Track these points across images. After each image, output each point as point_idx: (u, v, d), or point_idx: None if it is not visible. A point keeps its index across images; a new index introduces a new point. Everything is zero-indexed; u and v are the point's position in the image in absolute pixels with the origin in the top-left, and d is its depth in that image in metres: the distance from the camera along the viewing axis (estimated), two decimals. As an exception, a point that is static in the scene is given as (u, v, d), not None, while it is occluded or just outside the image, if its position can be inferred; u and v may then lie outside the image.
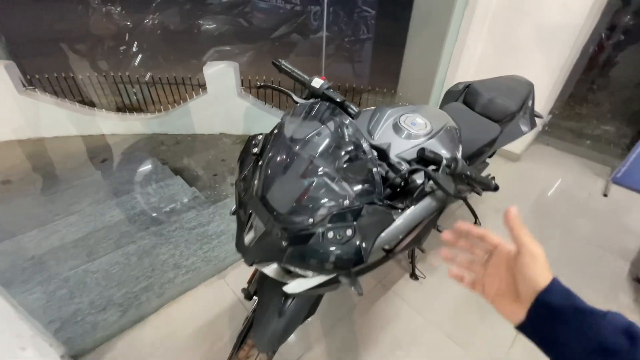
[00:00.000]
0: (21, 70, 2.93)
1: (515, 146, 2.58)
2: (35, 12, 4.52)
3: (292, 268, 0.73)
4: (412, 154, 0.84)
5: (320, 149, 0.75)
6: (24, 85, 2.94)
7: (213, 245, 1.73)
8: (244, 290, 1.08)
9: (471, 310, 1.49)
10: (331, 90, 0.92)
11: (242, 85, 3.03)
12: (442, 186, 0.75)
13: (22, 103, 2.92)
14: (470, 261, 0.50)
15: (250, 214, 0.76)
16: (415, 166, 0.80)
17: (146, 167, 2.66)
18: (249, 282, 1.11)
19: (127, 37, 4.28)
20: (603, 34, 3.57)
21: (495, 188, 0.88)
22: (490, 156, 1.76)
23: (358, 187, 0.73)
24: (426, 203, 0.84)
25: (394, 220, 0.77)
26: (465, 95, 1.58)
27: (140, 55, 4.30)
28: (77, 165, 2.84)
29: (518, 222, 0.43)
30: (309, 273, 0.72)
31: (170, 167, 2.64)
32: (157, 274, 1.57)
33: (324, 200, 0.69)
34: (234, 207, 0.86)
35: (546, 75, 2.24)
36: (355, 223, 0.69)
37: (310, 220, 0.68)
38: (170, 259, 1.65)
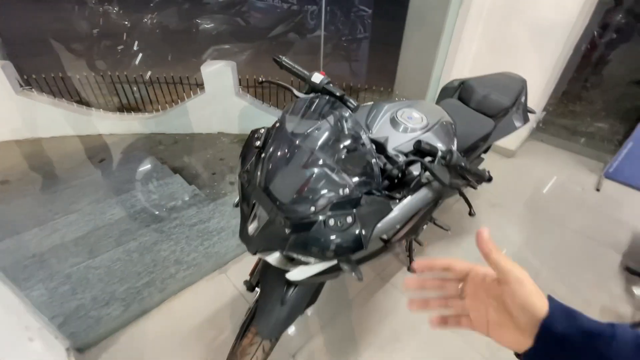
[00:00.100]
0: (18, 71, 2.92)
1: (510, 142, 2.63)
2: (33, 11, 4.51)
3: (294, 255, 0.76)
4: (409, 147, 0.87)
5: (320, 142, 0.78)
6: (21, 86, 2.94)
7: (214, 241, 1.75)
8: (246, 282, 1.11)
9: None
10: (331, 84, 0.95)
11: (240, 84, 3.05)
12: (437, 176, 0.78)
13: (19, 103, 2.92)
14: (445, 297, 0.45)
15: (254, 205, 0.79)
16: (411, 157, 0.83)
17: (145, 167, 2.67)
18: (251, 274, 1.13)
19: (124, 37, 4.28)
20: (595, 32, 3.63)
21: (489, 179, 0.91)
22: (485, 151, 1.79)
23: (357, 178, 0.76)
24: (422, 193, 0.87)
25: (392, 209, 0.80)
26: (460, 92, 1.61)
27: (138, 55, 4.31)
28: (75, 165, 2.84)
29: (493, 246, 0.39)
30: (311, 260, 0.75)
31: (169, 167, 2.66)
32: (159, 270, 1.59)
33: (325, 190, 0.72)
34: (237, 199, 0.89)
35: (539, 73, 2.28)
36: (354, 211, 0.72)
37: (312, 208, 0.70)
38: (171, 255, 1.67)
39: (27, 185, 2.57)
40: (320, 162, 0.74)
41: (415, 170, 0.86)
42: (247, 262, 1.65)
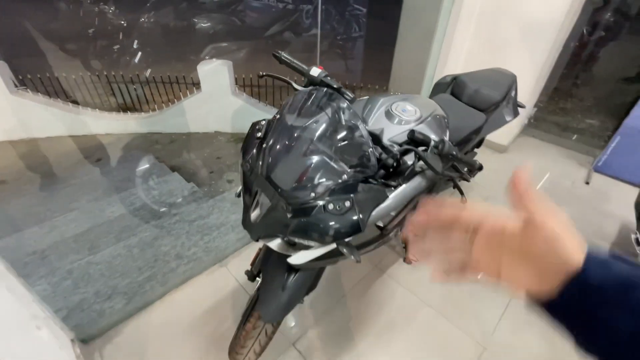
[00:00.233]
0: (13, 71, 2.92)
1: (503, 138, 2.69)
2: (28, 11, 4.48)
3: (296, 240, 0.80)
4: (403, 138, 0.91)
5: (319, 131, 0.81)
6: (16, 86, 2.93)
7: (213, 236, 1.78)
8: (247, 272, 1.14)
9: (461, 289, 1.58)
10: (328, 77, 0.98)
11: (236, 83, 3.07)
12: (430, 165, 0.83)
13: (14, 103, 2.91)
14: (447, 250, 0.39)
15: (256, 193, 0.82)
16: (406, 147, 0.87)
17: (143, 165, 2.68)
18: (252, 264, 1.16)
19: (120, 36, 4.28)
20: (585, 31, 3.72)
21: (480, 167, 0.96)
22: (478, 146, 1.85)
23: (354, 166, 0.80)
24: (416, 182, 0.92)
25: (387, 196, 0.84)
26: (452, 87, 1.66)
27: (134, 55, 4.31)
28: (72, 165, 2.85)
29: (529, 188, 0.34)
30: (312, 244, 0.79)
31: (166, 166, 2.67)
32: (160, 264, 1.61)
33: (324, 178, 0.76)
34: (239, 189, 0.92)
35: (530, 70, 2.34)
36: (352, 196, 0.75)
37: (312, 194, 0.74)
38: (172, 250, 1.69)
39: (24, 185, 2.57)
40: (319, 151, 0.78)
41: (410, 159, 0.90)
42: (247, 255, 1.68)
